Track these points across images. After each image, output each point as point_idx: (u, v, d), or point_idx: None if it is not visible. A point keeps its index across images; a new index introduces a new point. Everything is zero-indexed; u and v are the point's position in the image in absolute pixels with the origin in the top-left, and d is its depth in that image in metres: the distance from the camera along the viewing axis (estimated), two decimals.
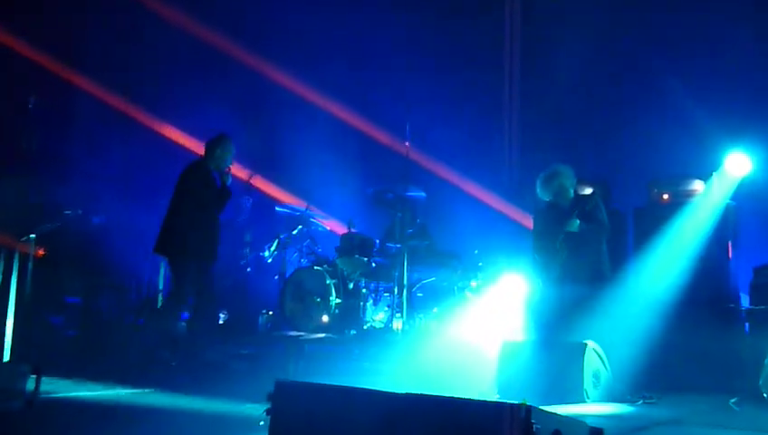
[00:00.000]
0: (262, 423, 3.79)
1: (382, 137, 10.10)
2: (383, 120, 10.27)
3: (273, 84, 10.82)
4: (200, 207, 7.01)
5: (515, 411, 3.27)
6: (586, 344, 6.18)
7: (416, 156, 8.86)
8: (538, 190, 7.48)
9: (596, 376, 6.19)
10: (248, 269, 9.58)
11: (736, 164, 7.64)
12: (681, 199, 7.85)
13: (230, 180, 7.23)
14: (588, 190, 7.88)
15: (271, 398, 3.81)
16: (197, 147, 8.23)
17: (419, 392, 6.28)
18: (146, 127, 10.69)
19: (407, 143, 8.54)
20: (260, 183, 9.65)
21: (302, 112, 10.88)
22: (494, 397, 6.15)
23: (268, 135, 9.31)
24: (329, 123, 10.73)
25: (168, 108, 10.71)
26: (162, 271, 9.08)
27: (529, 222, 8.84)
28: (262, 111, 10.99)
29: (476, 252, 9.24)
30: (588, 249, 7.16)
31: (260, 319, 8.99)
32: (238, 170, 8.43)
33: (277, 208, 9.62)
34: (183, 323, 8.93)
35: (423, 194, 9.28)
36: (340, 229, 9.86)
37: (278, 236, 9.44)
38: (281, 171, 10.06)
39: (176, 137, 10.52)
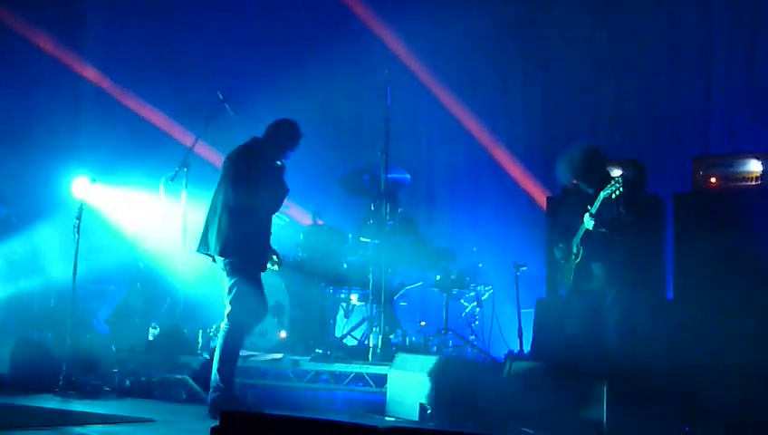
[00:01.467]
0: None
1: (355, 103, 10.13)
2: (357, 81, 10.26)
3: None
4: (263, 201, 7.06)
5: None
6: (610, 368, 6.23)
7: (398, 128, 8.77)
8: (557, 173, 7.50)
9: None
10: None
11: None
12: (734, 184, 7.88)
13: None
14: (617, 172, 7.90)
15: (215, 433, 3.84)
16: None
17: (401, 424, 6.37)
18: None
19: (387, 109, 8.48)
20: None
21: (251, 66, 11.03)
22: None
23: (207, 91, 9.33)
24: (286, 84, 10.70)
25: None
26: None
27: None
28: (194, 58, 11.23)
29: (475, 250, 9.26)
30: (618, 249, 7.16)
31: (200, 335, 8.85)
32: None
33: None
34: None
35: (407, 176, 9.26)
36: (303, 221, 9.84)
37: None
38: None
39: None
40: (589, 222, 7.04)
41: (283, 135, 7.22)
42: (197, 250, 7.05)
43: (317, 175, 10.08)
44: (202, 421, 6.30)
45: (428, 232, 9.67)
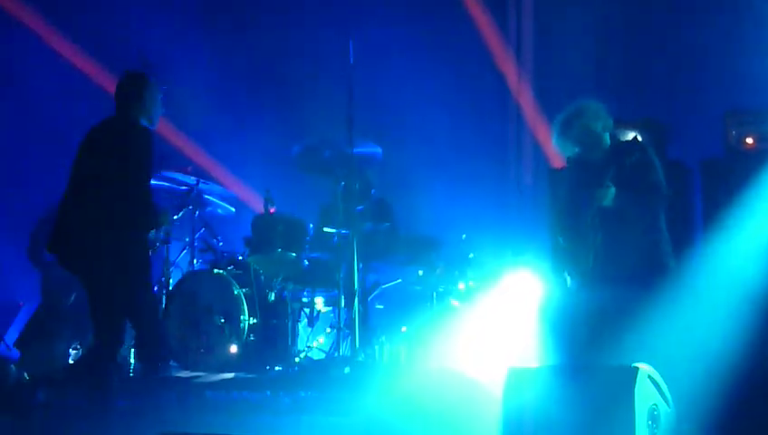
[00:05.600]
0: None
1: (311, 62, 10.26)
2: (314, 35, 10.43)
3: None
4: (144, 183, 7.15)
5: None
6: (637, 369, 6.12)
7: (366, 92, 8.87)
8: (555, 140, 7.47)
9: (653, 416, 6.15)
10: None
11: None
12: None
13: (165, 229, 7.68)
14: (630, 135, 7.89)
15: None
16: None
17: None
18: None
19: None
20: None
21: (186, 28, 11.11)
22: None
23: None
24: (226, 40, 10.91)
25: None
26: None
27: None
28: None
29: (464, 237, 9.33)
30: (635, 227, 7.13)
31: (131, 354, 8.92)
32: None
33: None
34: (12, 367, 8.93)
35: (379, 150, 9.31)
36: (253, 209, 10.03)
37: None
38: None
39: None
40: (602, 197, 7.00)
41: (147, 93, 7.37)
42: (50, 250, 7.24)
43: (267, 152, 10.39)
44: None
45: (406, 218, 9.74)
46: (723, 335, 7.24)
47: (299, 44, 10.70)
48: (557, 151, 7.59)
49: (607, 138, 7.29)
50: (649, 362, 6.31)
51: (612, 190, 6.97)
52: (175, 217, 9.50)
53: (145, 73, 7.42)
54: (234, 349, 8.73)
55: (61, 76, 10.98)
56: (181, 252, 9.72)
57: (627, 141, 7.23)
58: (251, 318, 8.81)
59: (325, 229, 9.06)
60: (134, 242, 7.12)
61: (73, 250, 7.10)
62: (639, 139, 7.28)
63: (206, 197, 9.74)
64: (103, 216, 6.97)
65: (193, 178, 9.63)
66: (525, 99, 10.65)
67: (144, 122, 7.25)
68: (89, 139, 7.26)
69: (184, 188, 9.59)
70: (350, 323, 8.44)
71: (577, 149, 7.36)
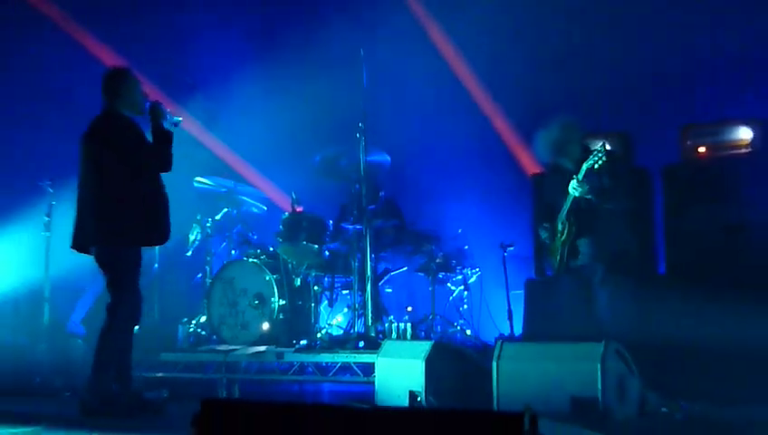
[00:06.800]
0: None
1: (330, 84, 10.18)
2: (331, 62, 10.43)
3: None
4: (141, 171, 7.04)
5: (517, 422, 3.40)
6: (605, 343, 6.27)
7: (377, 107, 8.96)
8: (535, 151, 7.98)
9: (621, 385, 6.29)
10: (155, 266, 9.82)
11: None
12: (725, 152, 8.18)
13: (169, 118, 7.24)
14: (598, 144, 7.93)
15: (196, 422, 3.88)
16: None
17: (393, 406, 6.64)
18: None
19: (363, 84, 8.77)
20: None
21: (219, 48, 11.31)
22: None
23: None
24: (257, 69, 10.99)
25: None
26: None
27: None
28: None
29: (460, 231, 9.67)
30: (604, 222, 7.57)
31: (180, 331, 9.31)
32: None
33: (196, 183, 9.93)
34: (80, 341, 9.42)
35: (387, 158, 9.66)
36: (282, 209, 10.21)
37: (198, 221, 9.82)
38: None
39: None
40: (575, 189, 7.38)
41: (124, 87, 7.19)
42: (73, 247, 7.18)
43: (293, 160, 10.45)
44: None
45: (412, 215, 9.99)
46: (681, 311, 7.50)
47: (321, 68, 10.64)
48: (537, 159, 8.07)
49: (578, 149, 7.70)
50: (615, 335, 6.65)
51: (582, 185, 7.35)
52: (218, 216, 9.85)
53: (125, 68, 7.33)
54: (266, 326, 9.05)
55: None
56: (221, 244, 10.05)
57: (596, 148, 7.48)
58: (280, 300, 9.12)
59: (343, 225, 9.35)
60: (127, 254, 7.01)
61: (90, 241, 7.01)
62: (608, 146, 7.48)
63: (242, 197, 10.08)
64: (109, 210, 6.90)
65: (231, 181, 9.97)
66: (497, 116, 10.94)
67: (127, 112, 7.15)
68: (83, 139, 7.14)
69: (223, 189, 9.94)
70: (363, 305, 8.66)
71: (554, 158, 7.81)
